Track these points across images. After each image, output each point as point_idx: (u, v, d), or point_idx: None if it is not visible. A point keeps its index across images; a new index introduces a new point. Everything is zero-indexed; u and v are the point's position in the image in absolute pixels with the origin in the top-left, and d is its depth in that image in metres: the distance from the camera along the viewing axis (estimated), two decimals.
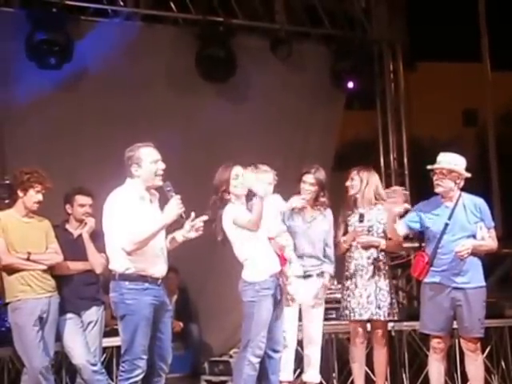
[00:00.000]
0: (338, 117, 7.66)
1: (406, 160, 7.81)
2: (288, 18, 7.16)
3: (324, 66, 7.30)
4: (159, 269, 3.87)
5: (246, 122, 6.85)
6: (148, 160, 3.82)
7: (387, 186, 7.72)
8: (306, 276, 4.56)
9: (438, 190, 4.28)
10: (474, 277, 4.22)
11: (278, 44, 7.03)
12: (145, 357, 3.76)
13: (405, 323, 5.42)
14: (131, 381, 3.75)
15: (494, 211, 8.67)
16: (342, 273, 4.74)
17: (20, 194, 4.29)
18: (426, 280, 4.29)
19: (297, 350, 4.65)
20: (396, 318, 4.77)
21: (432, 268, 4.25)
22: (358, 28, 7.56)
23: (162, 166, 3.86)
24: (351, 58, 7.26)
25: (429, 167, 4.28)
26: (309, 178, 4.58)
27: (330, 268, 4.63)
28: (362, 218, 4.59)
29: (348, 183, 4.72)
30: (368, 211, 4.66)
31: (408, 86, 7.99)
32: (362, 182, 4.68)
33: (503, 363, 5.58)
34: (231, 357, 6.13)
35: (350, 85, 7.31)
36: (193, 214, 3.86)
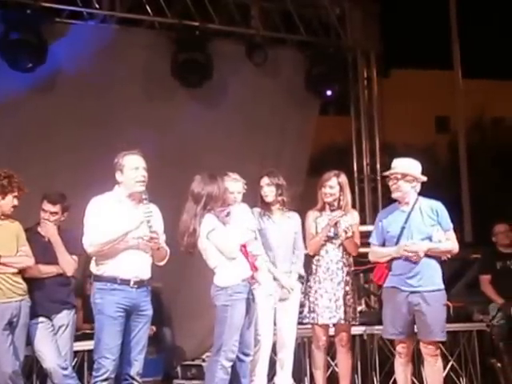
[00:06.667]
0: (312, 122, 7.72)
1: (378, 166, 7.90)
2: (264, 23, 7.20)
3: (299, 71, 7.36)
4: (130, 271, 3.91)
5: (221, 127, 6.87)
6: (129, 167, 3.95)
7: (360, 190, 7.89)
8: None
9: (394, 195, 4.34)
10: (430, 280, 4.23)
11: (253, 49, 7.07)
12: (110, 356, 3.83)
13: (376, 327, 5.47)
14: (96, 379, 3.85)
15: (463, 217, 8.88)
16: (307, 275, 4.75)
17: None
18: (385, 285, 4.34)
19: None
20: (357, 323, 4.84)
21: (390, 272, 4.30)
22: (333, 35, 7.64)
23: (142, 172, 3.95)
24: (326, 65, 7.33)
25: (384, 173, 4.35)
26: (265, 181, 4.63)
27: (299, 269, 4.68)
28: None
29: (328, 190, 4.70)
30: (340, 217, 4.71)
31: (381, 92, 8.09)
32: (342, 187, 4.72)
33: (471, 366, 5.66)
34: (204, 361, 6.13)
35: (329, 93, 7.39)
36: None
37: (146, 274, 4.00)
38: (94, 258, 3.97)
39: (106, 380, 3.85)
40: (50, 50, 6.05)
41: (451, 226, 4.35)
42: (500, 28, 13.41)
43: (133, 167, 3.94)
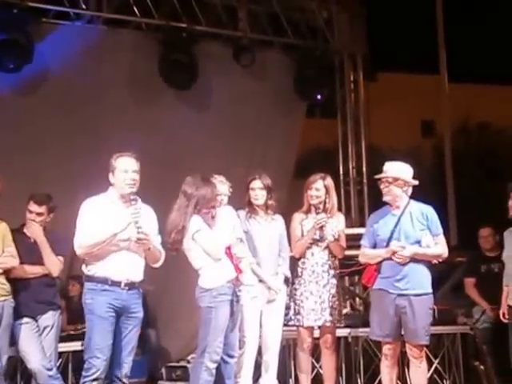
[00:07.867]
0: (299, 125, 7.75)
1: (364, 169, 7.94)
2: (251, 26, 7.22)
3: (286, 74, 7.38)
4: (121, 273, 3.91)
5: (208, 128, 6.87)
6: (119, 169, 3.96)
7: (346, 193, 7.93)
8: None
9: (385, 198, 4.37)
10: (418, 284, 4.26)
11: (240, 52, 7.08)
12: (100, 356, 3.83)
13: (361, 329, 5.49)
14: (86, 379, 3.85)
15: (449, 221, 8.94)
16: (293, 277, 4.76)
17: None
18: (374, 287, 4.37)
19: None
20: (343, 325, 4.86)
21: (379, 275, 4.32)
22: (320, 38, 7.67)
23: (131, 175, 3.95)
24: (313, 68, 7.36)
25: (376, 177, 4.39)
26: (257, 184, 4.64)
27: (286, 270, 4.69)
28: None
29: (313, 193, 4.70)
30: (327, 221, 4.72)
31: (368, 96, 8.12)
32: (328, 190, 4.73)
33: (455, 368, 5.69)
34: (189, 362, 6.13)
35: (319, 97, 7.42)
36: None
37: (137, 276, 4.00)
38: (85, 259, 3.95)
39: (95, 380, 3.84)
40: (37, 50, 6.02)
41: (441, 230, 4.38)
42: (486, 33, 13.52)
43: (122, 170, 3.94)
